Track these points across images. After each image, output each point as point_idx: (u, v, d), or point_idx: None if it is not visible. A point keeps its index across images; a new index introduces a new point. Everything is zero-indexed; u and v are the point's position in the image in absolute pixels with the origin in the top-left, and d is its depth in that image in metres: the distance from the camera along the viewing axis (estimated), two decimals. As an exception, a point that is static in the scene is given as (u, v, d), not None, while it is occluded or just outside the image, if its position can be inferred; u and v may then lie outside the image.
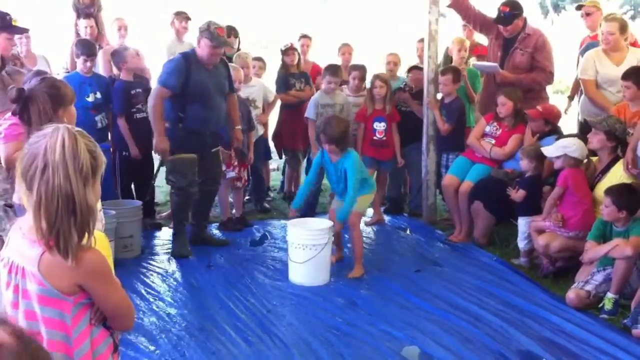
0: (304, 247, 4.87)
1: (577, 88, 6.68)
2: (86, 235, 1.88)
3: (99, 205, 2.46)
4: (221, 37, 5.26)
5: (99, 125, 5.88)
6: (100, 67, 6.47)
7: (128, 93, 6.02)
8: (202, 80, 5.34)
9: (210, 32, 5.22)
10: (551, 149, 5.02)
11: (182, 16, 7.01)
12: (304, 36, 7.73)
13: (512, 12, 5.91)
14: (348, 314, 4.44)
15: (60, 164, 1.83)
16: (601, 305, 4.33)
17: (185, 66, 5.30)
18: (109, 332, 2.06)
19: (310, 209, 6.38)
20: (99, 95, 5.91)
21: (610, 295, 4.29)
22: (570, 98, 6.87)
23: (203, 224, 5.95)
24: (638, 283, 4.22)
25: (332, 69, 6.38)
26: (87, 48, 5.93)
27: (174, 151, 5.43)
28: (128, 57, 6.04)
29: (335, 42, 7.98)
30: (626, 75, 5.17)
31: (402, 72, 7.08)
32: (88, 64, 5.90)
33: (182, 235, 5.66)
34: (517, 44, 5.97)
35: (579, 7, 6.75)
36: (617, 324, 4.14)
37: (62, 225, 1.83)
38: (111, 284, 1.99)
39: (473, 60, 6.87)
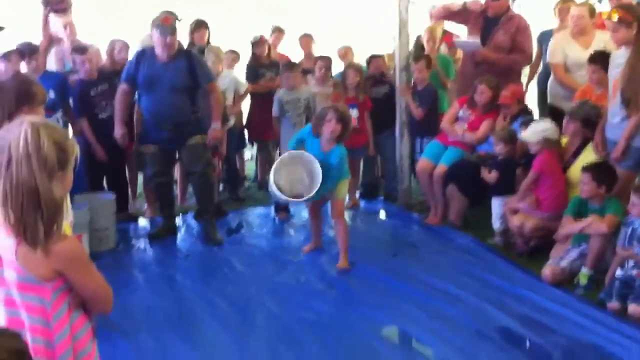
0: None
1: (533, 73, 6.80)
2: (55, 227, 1.88)
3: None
4: (166, 25, 5.22)
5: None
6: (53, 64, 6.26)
7: (86, 94, 5.85)
8: (151, 74, 5.35)
9: (156, 22, 5.27)
10: (531, 136, 5.03)
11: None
12: (278, 29, 7.68)
13: None
14: (327, 299, 4.45)
15: (24, 159, 1.83)
16: (576, 280, 4.40)
17: (137, 60, 5.45)
18: (87, 318, 2.07)
19: None
20: (52, 94, 5.53)
21: (585, 270, 4.36)
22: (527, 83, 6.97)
23: (205, 217, 5.76)
24: (612, 258, 4.28)
25: (289, 66, 6.41)
26: (24, 49, 5.67)
27: (142, 142, 5.72)
28: (77, 59, 5.87)
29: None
30: (593, 59, 5.16)
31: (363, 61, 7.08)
32: (33, 63, 5.68)
33: (165, 221, 5.87)
34: (500, 25, 6.02)
35: None
36: (593, 298, 4.20)
37: (29, 219, 1.84)
38: (88, 269, 1.99)
39: (443, 47, 6.94)
